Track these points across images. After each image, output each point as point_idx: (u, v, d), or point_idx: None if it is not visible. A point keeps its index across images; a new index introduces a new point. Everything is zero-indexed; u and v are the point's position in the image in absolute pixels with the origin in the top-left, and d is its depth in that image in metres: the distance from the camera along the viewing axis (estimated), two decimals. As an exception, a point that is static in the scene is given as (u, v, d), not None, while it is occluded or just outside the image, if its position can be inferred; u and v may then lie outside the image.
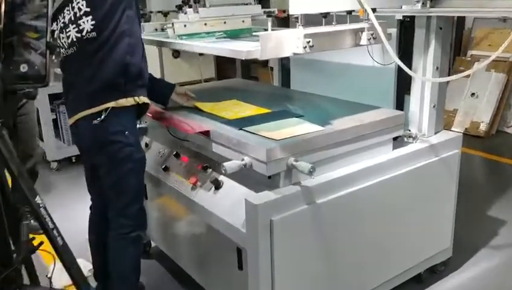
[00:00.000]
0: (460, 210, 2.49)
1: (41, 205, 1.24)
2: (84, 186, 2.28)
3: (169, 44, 2.21)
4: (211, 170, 2.08)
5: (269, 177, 1.79)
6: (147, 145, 2.49)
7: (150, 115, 2.30)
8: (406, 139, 2.24)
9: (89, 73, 1.89)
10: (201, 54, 4.54)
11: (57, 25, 1.91)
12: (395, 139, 2.15)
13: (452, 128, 4.78)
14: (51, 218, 1.30)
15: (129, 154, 1.99)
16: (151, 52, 2.54)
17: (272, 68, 3.45)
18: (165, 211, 2.61)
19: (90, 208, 2.32)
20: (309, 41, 1.70)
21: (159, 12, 2.64)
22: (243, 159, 1.82)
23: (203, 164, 2.11)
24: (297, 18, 1.73)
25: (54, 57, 0.93)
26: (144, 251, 2.90)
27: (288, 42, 1.73)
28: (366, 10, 1.85)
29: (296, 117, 2.09)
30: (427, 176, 2.22)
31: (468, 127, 4.82)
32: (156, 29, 2.63)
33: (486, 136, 4.76)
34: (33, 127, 3.11)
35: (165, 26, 2.65)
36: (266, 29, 2.46)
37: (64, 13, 1.90)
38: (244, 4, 2.58)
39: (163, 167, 2.29)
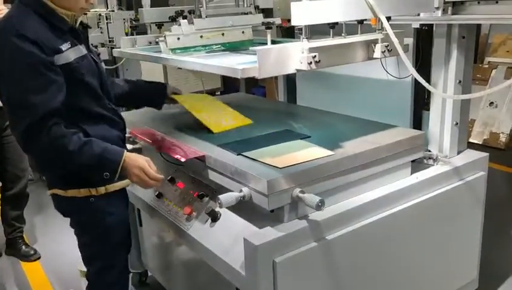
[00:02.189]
0: (483, 232, 2.23)
1: None
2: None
3: (159, 60, 2.00)
4: (207, 198, 1.86)
5: (271, 211, 1.57)
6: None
7: (142, 137, 2.10)
8: (425, 161, 2.00)
9: None
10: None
11: None
12: (413, 161, 1.92)
13: (470, 140, 4.52)
14: None
15: (92, 223, 1.77)
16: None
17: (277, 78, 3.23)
18: (160, 240, 2.40)
19: None
20: (315, 56, 1.49)
21: (153, 23, 2.44)
22: (241, 190, 1.60)
23: (199, 191, 1.89)
24: (300, 30, 1.52)
25: None
26: (140, 281, 2.70)
27: (290, 57, 1.52)
28: (379, 19, 1.63)
29: (302, 139, 1.87)
30: (450, 202, 1.97)
31: (487, 138, 4.56)
32: (150, 42, 2.43)
33: (506, 148, 4.49)
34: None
35: (157, 39, 2.46)
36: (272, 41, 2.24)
37: None
38: (244, 14, 2.37)
39: (157, 193, 2.08)
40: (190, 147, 1.90)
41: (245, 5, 2.37)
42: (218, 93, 7.35)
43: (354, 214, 1.65)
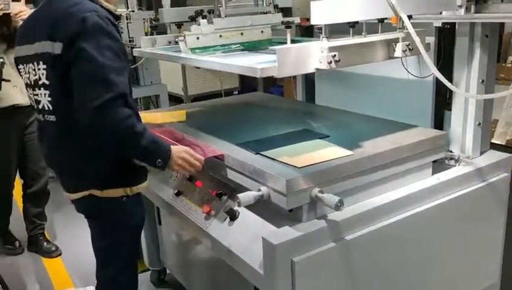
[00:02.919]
0: (506, 234, 2.18)
1: None
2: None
3: (178, 59, 2.02)
4: (226, 197, 1.87)
5: (290, 210, 1.57)
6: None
7: (162, 136, 2.12)
8: (447, 161, 1.97)
9: None
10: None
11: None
12: (434, 161, 1.89)
13: (492, 141, 4.43)
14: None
15: (122, 224, 1.82)
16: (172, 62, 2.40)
17: (294, 79, 3.23)
18: (178, 238, 2.42)
19: None
20: (335, 55, 1.48)
21: (172, 23, 2.46)
22: (259, 190, 1.60)
23: (218, 190, 1.90)
24: (320, 29, 1.51)
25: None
26: (159, 278, 2.73)
27: (310, 57, 1.51)
28: (401, 18, 1.61)
29: (321, 139, 1.86)
30: (472, 204, 1.94)
31: (511, 139, 4.46)
32: (170, 42, 2.45)
33: (530, 149, 4.40)
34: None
35: (177, 39, 2.48)
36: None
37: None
38: (263, 13, 2.37)
39: (176, 191, 2.09)
40: (209, 146, 1.91)
41: (264, 4, 2.37)
42: (236, 92, 7.36)
43: (373, 215, 1.63)
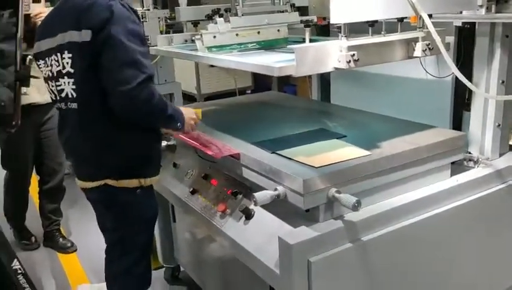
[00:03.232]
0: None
1: (19, 271, 1.05)
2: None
3: (195, 57, 2.02)
4: (241, 196, 1.87)
5: (307, 210, 1.56)
6: (175, 165, 2.31)
7: (178, 134, 2.13)
8: (465, 163, 1.94)
9: None
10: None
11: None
12: (452, 163, 1.86)
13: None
14: (30, 285, 1.10)
15: (139, 213, 1.88)
16: (187, 60, 2.44)
17: (309, 78, 3.21)
18: (193, 236, 2.42)
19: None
20: (353, 54, 1.47)
21: (189, 22, 2.46)
22: (275, 189, 1.59)
23: (233, 189, 1.90)
24: (339, 28, 1.50)
25: (25, 90, 0.73)
26: (173, 275, 2.74)
27: (328, 56, 1.50)
28: (421, 17, 1.59)
29: (338, 138, 1.85)
30: (491, 206, 1.91)
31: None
32: (186, 40, 2.46)
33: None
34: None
35: (193, 37, 2.48)
36: (304, 40, 2.23)
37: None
38: (280, 12, 2.36)
39: (191, 189, 2.10)
40: (225, 145, 1.91)
41: (281, 3, 2.36)
42: (249, 91, 7.36)
43: (391, 216, 1.62)
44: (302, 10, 2.50)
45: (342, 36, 1.48)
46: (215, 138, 2.04)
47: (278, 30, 2.27)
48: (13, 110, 0.69)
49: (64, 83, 1.73)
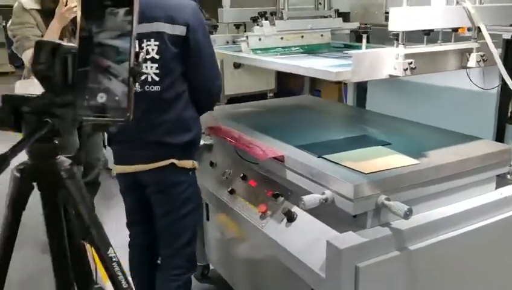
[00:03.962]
0: None
1: (114, 259, 1.08)
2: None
3: (246, 60, 2.04)
4: (282, 198, 1.87)
5: (354, 216, 1.57)
6: (211, 164, 2.33)
7: (221, 135, 2.15)
8: (509, 176, 1.92)
9: None
10: (236, 66, 4.49)
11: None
12: (497, 176, 1.85)
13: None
14: (123, 274, 1.13)
15: (192, 195, 1.96)
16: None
17: (344, 84, 3.21)
18: (226, 235, 2.44)
19: (130, 246, 2.18)
20: (411, 62, 1.47)
21: (230, 23, 2.49)
22: (323, 193, 1.60)
23: (274, 190, 1.91)
24: (396, 35, 1.50)
25: (137, 85, 0.76)
26: (203, 274, 2.76)
27: (384, 63, 1.51)
28: (475, 28, 1.59)
29: (383, 145, 1.85)
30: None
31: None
32: (227, 42, 2.48)
33: None
34: (99, 137, 3.06)
35: (235, 39, 2.51)
36: (346, 45, 2.24)
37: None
38: (323, 17, 2.38)
39: (230, 189, 2.11)
40: (268, 147, 1.92)
41: (324, 8, 2.38)
42: (271, 94, 7.36)
43: (438, 226, 1.61)
44: (343, 16, 2.51)
45: (400, 44, 1.48)
46: (256, 139, 2.05)
47: (321, 35, 2.29)
48: (127, 105, 0.71)
49: (147, 67, 1.84)
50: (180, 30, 1.81)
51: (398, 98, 2.62)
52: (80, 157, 0.94)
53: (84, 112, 0.75)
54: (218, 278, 2.58)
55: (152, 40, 1.82)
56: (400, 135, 2.02)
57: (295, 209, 1.78)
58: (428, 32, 1.57)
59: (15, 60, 11.59)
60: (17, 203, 1.01)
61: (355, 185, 1.49)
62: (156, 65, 1.84)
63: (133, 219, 2.13)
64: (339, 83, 2.27)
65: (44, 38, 2.43)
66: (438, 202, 1.69)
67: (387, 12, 1.87)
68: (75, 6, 2.55)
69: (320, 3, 2.41)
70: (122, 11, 0.72)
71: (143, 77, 1.85)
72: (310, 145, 1.90)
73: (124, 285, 1.08)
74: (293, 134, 2.09)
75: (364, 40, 1.58)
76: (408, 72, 1.47)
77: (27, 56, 2.62)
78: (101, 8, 0.73)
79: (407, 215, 1.44)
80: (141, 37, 1.82)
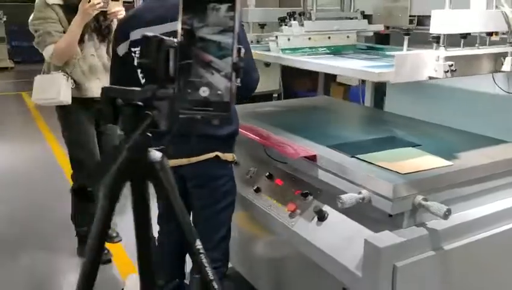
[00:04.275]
0: None
1: (201, 251, 1.10)
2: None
3: (283, 60, 2.06)
4: (311, 197, 1.89)
5: (389, 215, 1.58)
6: (236, 162, 2.33)
7: (249, 133, 2.15)
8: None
9: None
10: (267, 65, 4.49)
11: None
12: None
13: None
14: (210, 265, 1.15)
15: (231, 188, 1.97)
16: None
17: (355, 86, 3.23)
18: (249, 233, 2.44)
19: (160, 243, 2.13)
20: (451, 64, 1.49)
21: (255, 23, 2.50)
22: (360, 193, 1.62)
23: (302, 189, 1.92)
24: (437, 38, 1.52)
25: (238, 80, 0.77)
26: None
27: (424, 64, 1.53)
28: (510, 32, 1.62)
29: (413, 147, 1.87)
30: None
31: None
32: (252, 42, 2.49)
33: None
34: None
35: (260, 39, 2.52)
36: (370, 47, 2.26)
37: None
38: (349, 18, 2.40)
39: (255, 188, 2.12)
40: (299, 146, 1.94)
41: (351, 10, 2.40)
42: (276, 95, 7.36)
43: (474, 226, 1.64)
44: (365, 18, 2.53)
45: (441, 46, 1.50)
46: (285, 138, 2.06)
47: (348, 36, 2.31)
48: (229, 99, 0.73)
49: None
50: None
51: (418, 101, 2.64)
52: (169, 150, 0.95)
53: (185, 105, 0.76)
54: (237, 276, 2.59)
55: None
56: (427, 137, 2.04)
57: (325, 208, 1.80)
58: (465, 36, 1.60)
59: (15, 55, 11.58)
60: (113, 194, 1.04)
61: (395, 185, 1.51)
62: None
63: (169, 214, 2.11)
64: (378, 83, 2.26)
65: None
66: (471, 203, 1.71)
67: (411, 16, 1.90)
68: (98, 3, 2.55)
69: (346, 6, 2.42)
70: (224, 7, 0.73)
71: None
72: (340, 145, 1.92)
73: (211, 277, 1.10)
74: (319, 134, 2.10)
75: (405, 42, 1.60)
76: (449, 74, 1.50)
77: (48, 51, 2.61)
78: (203, 3, 0.74)
79: (446, 215, 1.46)
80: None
